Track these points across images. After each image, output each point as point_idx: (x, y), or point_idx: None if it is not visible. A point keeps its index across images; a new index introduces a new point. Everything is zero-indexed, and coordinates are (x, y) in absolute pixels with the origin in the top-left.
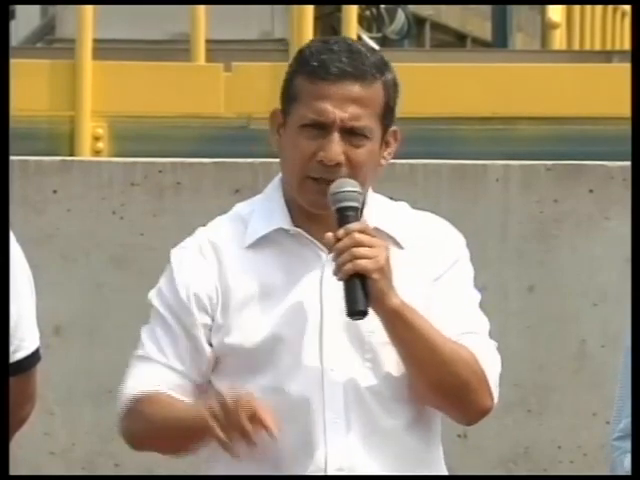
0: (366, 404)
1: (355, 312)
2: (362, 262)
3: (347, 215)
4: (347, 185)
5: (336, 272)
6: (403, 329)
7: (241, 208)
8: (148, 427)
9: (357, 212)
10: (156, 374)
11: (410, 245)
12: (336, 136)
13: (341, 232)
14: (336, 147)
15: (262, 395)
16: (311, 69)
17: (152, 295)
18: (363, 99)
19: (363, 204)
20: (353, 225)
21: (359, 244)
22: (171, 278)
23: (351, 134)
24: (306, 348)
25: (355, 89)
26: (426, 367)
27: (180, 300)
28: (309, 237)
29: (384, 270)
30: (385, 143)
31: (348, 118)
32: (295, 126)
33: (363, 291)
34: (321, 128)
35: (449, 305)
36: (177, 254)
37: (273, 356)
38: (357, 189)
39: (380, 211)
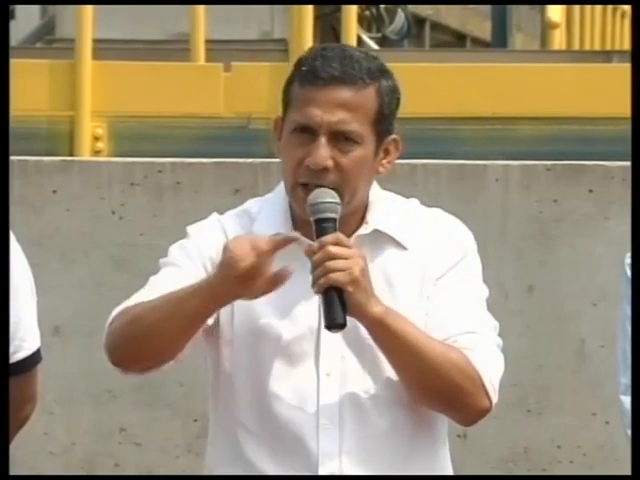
0: (364, 409)
1: (332, 325)
2: (335, 275)
3: (324, 227)
4: (325, 196)
5: (312, 285)
6: (387, 336)
7: (251, 205)
8: (145, 312)
9: (335, 223)
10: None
11: (414, 245)
12: (323, 140)
13: (316, 245)
14: (322, 151)
15: (257, 400)
16: (302, 74)
17: (162, 260)
18: (352, 104)
19: (366, 208)
20: (327, 237)
21: (332, 257)
22: (187, 241)
23: (339, 139)
24: (303, 353)
25: (343, 93)
26: (414, 373)
27: (193, 256)
28: (310, 242)
29: (358, 281)
30: (385, 151)
31: (335, 122)
32: (288, 132)
33: (340, 303)
34: (310, 133)
35: (448, 305)
36: (194, 226)
37: (269, 358)
38: (336, 200)
39: (384, 212)
